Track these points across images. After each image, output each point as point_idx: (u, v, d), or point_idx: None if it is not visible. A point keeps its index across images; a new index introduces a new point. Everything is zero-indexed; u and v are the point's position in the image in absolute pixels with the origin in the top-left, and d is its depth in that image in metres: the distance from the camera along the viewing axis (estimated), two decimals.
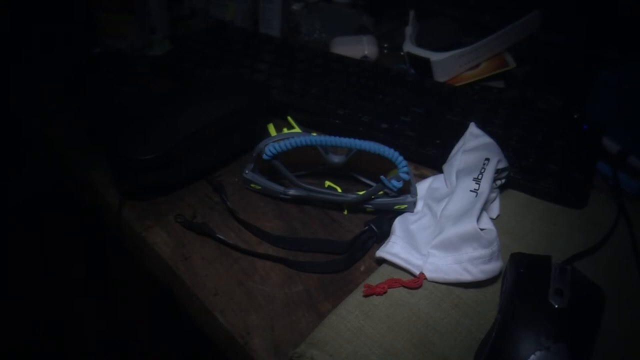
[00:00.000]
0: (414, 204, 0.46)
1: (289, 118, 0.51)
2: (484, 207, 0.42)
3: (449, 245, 0.40)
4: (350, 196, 0.46)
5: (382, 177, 0.43)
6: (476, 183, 0.43)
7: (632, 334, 0.38)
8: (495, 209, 0.47)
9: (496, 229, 0.41)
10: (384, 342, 0.36)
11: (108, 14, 0.64)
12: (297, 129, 0.49)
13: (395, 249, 0.41)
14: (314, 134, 0.46)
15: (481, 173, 0.44)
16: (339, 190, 0.48)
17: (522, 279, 0.37)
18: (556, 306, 0.34)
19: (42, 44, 0.67)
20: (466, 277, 0.39)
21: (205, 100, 0.50)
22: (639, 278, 0.43)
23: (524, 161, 0.51)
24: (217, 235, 0.43)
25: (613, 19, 0.64)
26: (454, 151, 0.49)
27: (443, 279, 0.40)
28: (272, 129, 0.49)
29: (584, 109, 0.60)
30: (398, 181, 0.43)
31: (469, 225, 0.39)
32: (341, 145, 0.43)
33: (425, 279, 0.40)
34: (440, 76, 0.63)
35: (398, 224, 0.43)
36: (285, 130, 0.48)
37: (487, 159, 0.45)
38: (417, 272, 0.40)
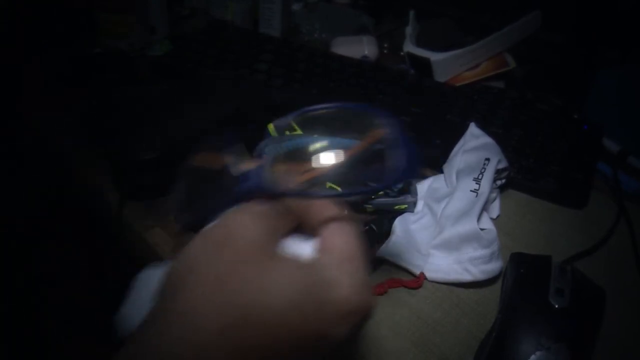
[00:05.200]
0: (414, 204, 0.46)
1: None
2: (484, 207, 0.42)
3: (449, 245, 0.40)
4: None
5: None
6: (476, 183, 0.43)
7: (632, 334, 0.38)
8: (495, 209, 0.47)
9: (496, 229, 0.41)
10: (384, 341, 0.36)
11: (108, 14, 0.64)
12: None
13: (396, 248, 0.41)
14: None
15: (481, 173, 0.44)
16: (339, 190, 0.48)
17: (522, 279, 0.37)
18: (556, 306, 0.34)
19: (42, 44, 0.67)
20: (466, 277, 0.39)
21: (205, 100, 0.50)
22: (639, 278, 0.43)
23: (524, 161, 0.51)
24: None
25: (613, 19, 0.64)
26: (454, 151, 0.49)
27: (443, 279, 0.40)
28: (272, 129, 0.49)
29: (584, 109, 0.60)
30: None
31: (469, 225, 0.39)
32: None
33: (426, 279, 0.40)
34: (440, 76, 0.63)
35: (398, 224, 0.43)
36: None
37: (487, 159, 0.45)
38: (417, 272, 0.40)
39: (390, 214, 0.45)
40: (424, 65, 0.64)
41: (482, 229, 0.40)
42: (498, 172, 0.45)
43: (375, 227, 0.44)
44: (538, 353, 0.32)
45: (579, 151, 0.53)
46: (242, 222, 0.24)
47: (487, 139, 0.48)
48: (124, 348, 0.22)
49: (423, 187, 0.48)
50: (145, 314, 0.23)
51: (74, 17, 0.68)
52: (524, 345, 0.32)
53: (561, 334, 0.32)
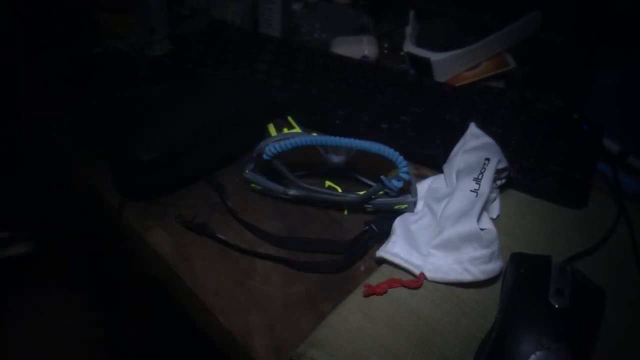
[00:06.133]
0: (414, 204, 0.46)
1: (289, 118, 0.51)
2: (485, 207, 0.42)
3: (449, 245, 0.40)
4: (351, 196, 0.46)
5: (382, 177, 0.43)
6: (476, 183, 0.43)
7: (632, 334, 0.38)
8: (495, 209, 0.47)
9: (496, 229, 0.41)
10: (384, 342, 0.36)
11: (108, 14, 0.64)
12: (297, 129, 0.49)
13: (396, 249, 0.41)
14: (314, 134, 0.46)
15: (481, 173, 0.44)
16: (339, 190, 0.48)
17: (522, 279, 0.37)
18: (556, 306, 0.34)
19: (42, 44, 0.67)
20: (466, 277, 0.39)
21: (205, 100, 0.50)
22: (639, 278, 0.43)
23: (524, 161, 0.51)
24: (218, 235, 0.43)
25: (613, 19, 0.64)
26: (454, 151, 0.49)
27: (443, 279, 0.40)
28: (272, 129, 0.49)
29: (584, 109, 0.60)
30: (398, 181, 0.43)
31: (469, 225, 0.39)
32: (341, 145, 0.43)
33: (426, 279, 0.40)
34: (440, 76, 0.63)
35: (398, 224, 0.43)
36: (285, 130, 0.48)
37: (487, 159, 0.45)
38: (417, 272, 0.40)
39: (390, 214, 0.45)
40: (424, 65, 0.64)
41: (482, 229, 0.40)
42: (498, 172, 0.45)
43: (375, 227, 0.44)
44: (538, 353, 0.32)
45: (579, 151, 0.53)
46: None
47: (487, 139, 0.48)
48: None
49: (423, 187, 0.48)
50: None
51: (74, 17, 0.68)
52: (524, 345, 0.32)
53: (561, 334, 0.32)
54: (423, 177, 0.50)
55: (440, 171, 0.49)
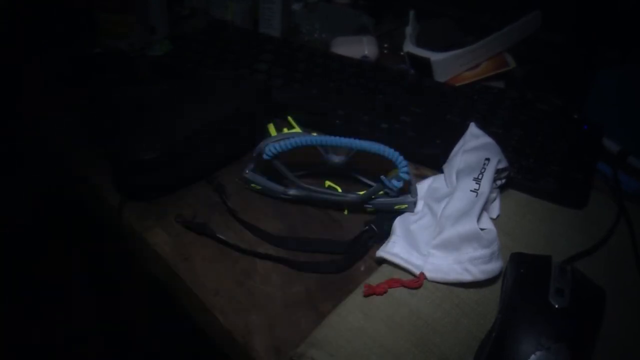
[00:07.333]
0: (414, 204, 0.46)
1: (289, 118, 0.51)
2: (485, 207, 0.42)
3: (449, 245, 0.40)
4: (351, 196, 0.46)
5: (382, 177, 0.43)
6: (476, 183, 0.43)
7: (632, 334, 0.38)
8: (495, 209, 0.47)
9: (496, 229, 0.41)
10: (384, 341, 0.36)
11: (108, 14, 0.64)
12: (297, 129, 0.49)
13: (396, 249, 0.41)
14: (314, 134, 0.46)
15: (481, 173, 0.44)
16: (339, 190, 0.48)
17: (522, 279, 0.37)
18: (556, 306, 0.34)
19: (42, 44, 0.67)
20: (466, 277, 0.39)
21: (205, 100, 0.50)
22: (639, 278, 0.43)
23: (524, 161, 0.51)
24: (218, 235, 0.43)
25: (613, 19, 0.64)
26: (454, 151, 0.49)
27: (443, 279, 0.40)
28: (272, 129, 0.49)
29: (584, 109, 0.60)
30: (398, 181, 0.43)
31: (469, 225, 0.39)
32: (341, 145, 0.43)
33: (426, 279, 0.40)
34: (440, 76, 0.63)
35: (398, 224, 0.43)
36: (285, 130, 0.48)
37: (487, 159, 0.45)
38: (417, 272, 0.40)
39: (390, 214, 0.45)
40: (424, 65, 0.64)
41: (482, 229, 0.40)
42: (498, 172, 0.45)
43: (375, 227, 0.44)
44: (538, 353, 0.32)
45: (579, 151, 0.53)
46: None
47: (487, 139, 0.48)
48: None
49: (423, 187, 0.48)
50: None
51: (74, 17, 0.68)
52: (524, 345, 0.32)
53: (561, 334, 0.32)
54: (423, 177, 0.50)
55: (440, 171, 0.49)
